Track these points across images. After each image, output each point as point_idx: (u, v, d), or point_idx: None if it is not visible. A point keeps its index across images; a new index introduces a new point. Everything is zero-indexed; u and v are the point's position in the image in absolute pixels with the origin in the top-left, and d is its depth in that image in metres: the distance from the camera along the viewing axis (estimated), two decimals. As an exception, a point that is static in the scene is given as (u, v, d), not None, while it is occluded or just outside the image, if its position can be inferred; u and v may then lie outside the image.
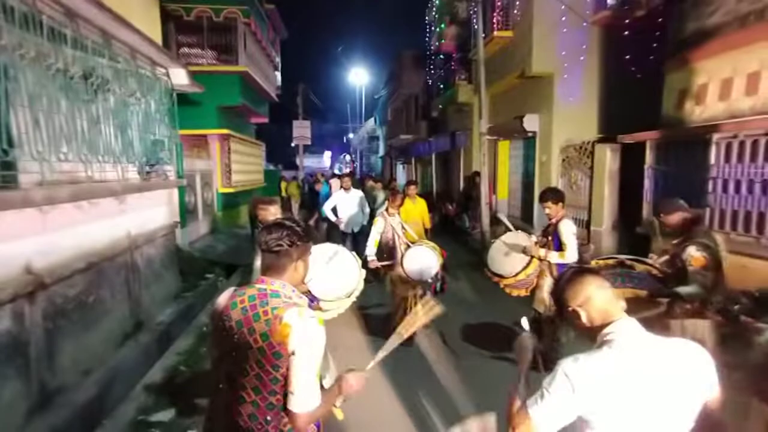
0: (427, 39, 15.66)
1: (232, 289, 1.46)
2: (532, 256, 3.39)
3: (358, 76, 31.34)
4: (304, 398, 1.27)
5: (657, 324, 2.42)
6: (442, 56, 14.19)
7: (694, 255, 2.45)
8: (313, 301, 2.40)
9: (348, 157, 39.86)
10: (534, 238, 3.62)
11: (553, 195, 3.49)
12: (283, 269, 1.37)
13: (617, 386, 1.05)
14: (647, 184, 6.06)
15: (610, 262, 2.88)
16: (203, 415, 1.56)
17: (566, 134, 7.72)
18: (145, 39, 3.81)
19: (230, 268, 6.67)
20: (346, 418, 1.63)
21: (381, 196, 7.47)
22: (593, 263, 3.02)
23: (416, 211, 5.55)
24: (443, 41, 13.28)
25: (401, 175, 21.60)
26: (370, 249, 4.04)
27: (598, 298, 1.16)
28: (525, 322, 1.57)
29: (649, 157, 6.10)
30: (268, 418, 1.30)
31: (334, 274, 2.71)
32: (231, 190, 9.83)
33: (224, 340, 1.33)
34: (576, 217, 7.58)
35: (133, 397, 3.11)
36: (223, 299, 1.42)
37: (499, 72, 9.02)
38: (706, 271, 2.43)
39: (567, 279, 1.22)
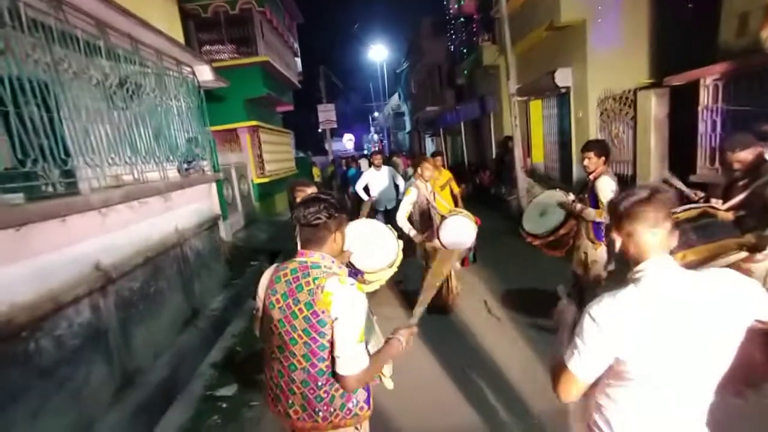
0: (446, 3, 14.95)
1: (275, 265, 1.55)
2: (568, 213, 3.25)
3: (378, 52, 30.71)
4: (351, 361, 1.34)
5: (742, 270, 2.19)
6: (462, 19, 13.53)
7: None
8: (357, 274, 2.51)
9: (376, 137, 39.62)
10: (572, 196, 3.43)
11: (596, 146, 3.22)
12: (323, 241, 1.43)
13: (644, 325, 1.01)
14: (702, 127, 5.55)
15: (693, 213, 2.39)
16: (262, 389, 1.68)
17: (603, 85, 7.19)
18: (169, 40, 3.94)
19: (273, 255, 6.97)
20: (395, 387, 1.69)
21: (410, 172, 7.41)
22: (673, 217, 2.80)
23: (443, 181, 5.50)
24: (463, 2, 12.62)
25: (430, 148, 21.23)
26: (403, 222, 3.85)
27: (644, 238, 1.08)
28: (562, 291, 1.49)
29: (703, 97, 5.56)
30: (320, 383, 1.39)
31: (374, 246, 2.78)
32: (266, 180, 10.14)
33: (273, 313, 1.42)
34: (619, 172, 7.14)
35: (198, 376, 3.40)
36: (267, 275, 1.53)
37: (524, 28, 8.48)
38: None
39: (631, 202, 1.10)
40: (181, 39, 4.94)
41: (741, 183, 2.48)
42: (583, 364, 1.07)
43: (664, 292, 1.04)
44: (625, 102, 6.75)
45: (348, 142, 31.34)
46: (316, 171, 17.34)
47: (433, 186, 4.92)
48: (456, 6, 13.31)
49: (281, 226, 9.23)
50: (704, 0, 5.79)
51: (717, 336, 1.03)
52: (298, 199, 3.07)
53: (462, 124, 14.15)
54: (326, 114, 19.97)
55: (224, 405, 3.03)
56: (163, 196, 3.76)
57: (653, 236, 1.08)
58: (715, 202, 2.53)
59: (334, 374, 1.37)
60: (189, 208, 4.37)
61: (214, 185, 5.52)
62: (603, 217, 3.06)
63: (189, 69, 4.77)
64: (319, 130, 22.67)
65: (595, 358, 1.06)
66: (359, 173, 7.49)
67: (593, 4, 7.04)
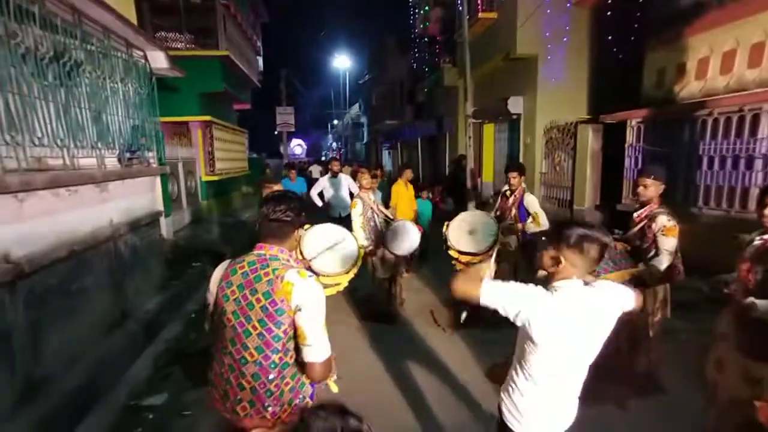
0: (411, 22, 15.45)
1: (227, 260, 1.53)
2: (509, 232, 3.67)
3: (342, 62, 30.85)
4: (320, 348, 1.38)
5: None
6: (426, 39, 14.04)
7: (667, 224, 2.52)
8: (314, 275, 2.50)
9: (335, 144, 39.49)
10: (492, 215, 3.89)
11: (521, 167, 3.90)
12: (286, 237, 1.49)
13: (555, 320, 1.33)
14: (628, 162, 6.20)
15: None
16: (197, 397, 1.59)
17: (550, 116, 7.79)
18: (119, 18, 3.66)
19: (217, 256, 6.63)
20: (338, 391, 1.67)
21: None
22: None
23: (408, 196, 5.55)
24: (428, 24, 13.12)
25: (387, 160, 21.54)
26: (360, 234, 3.86)
27: (579, 263, 1.37)
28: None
29: (629, 136, 6.22)
30: (271, 376, 1.39)
31: (335, 251, 2.83)
32: (215, 178, 9.68)
33: (226, 305, 1.42)
34: (559, 197, 7.72)
35: (123, 383, 3.10)
36: (221, 268, 1.52)
37: (484, 54, 8.99)
38: (675, 238, 2.52)
39: (587, 239, 1.35)
40: (133, 19, 4.62)
41: (639, 213, 2.74)
42: (491, 293, 1.37)
43: (573, 303, 1.35)
44: (567, 133, 7.35)
45: (297, 147, 30.04)
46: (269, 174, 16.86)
47: (394, 200, 5.10)
48: (421, 26, 13.79)
49: (229, 227, 8.81)
50: (634, 52, 6.53)
51: (606, 322, 1.40)
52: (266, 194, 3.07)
53: (419, 139, 14.55)
54: (285, 117, 19.60)
55: (151, 416, 2.79)
56: (98, 186, 3.44)
57: (586, 266, 1.38)
58: (617, 232, 2.85)
59: (287, 368, 1.40)
60: (128, 200, 4.04)
61: (158, 179, 5.17)
62: (541, 225, 3.57)
63: (141, 53, 4.47)
64: (276, 133, 22.17)
65: (509, 303, 1.35)
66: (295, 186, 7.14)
67: (545, 42, 7.65)
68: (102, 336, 3.32)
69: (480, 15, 8.78)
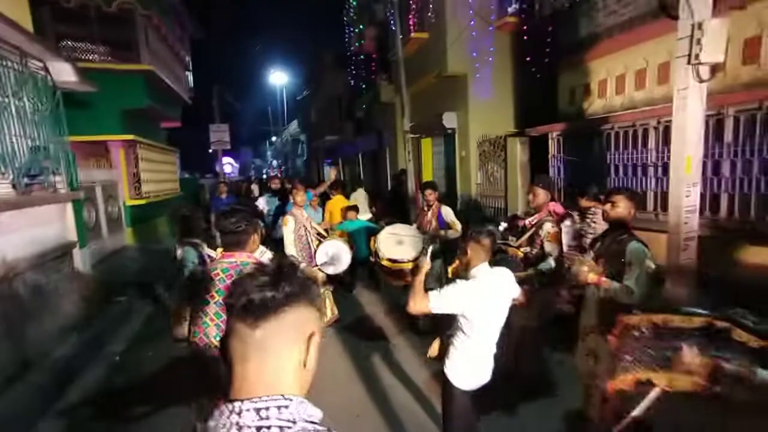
0: (347, 39, 15.69)
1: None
2: (433, 238, 4.01)
3: (279, 77, 30.38)
4: None
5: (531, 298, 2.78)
6: (362, 56, 14.32)
7: (551, 231, 2.85)
8: None
9: (275, 162, 38.44)
10: (414, 226, 4.35)
11: (431, 185, 4.45)
12: (245, 244, 1.77)
13: (477, 300, 1.92)
14: (552, 172, 6.74)
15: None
16: None
17: (482, 130, 8.27)
18: (8, 23, 3.23)
19: (144, 288, 6.03)
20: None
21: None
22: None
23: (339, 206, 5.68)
24: (363, 42, 13.41)
25: (328, 176, 21.38)
26: (292, 251, 3.88)
27: (481, 252, 2.00)
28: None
29: (552, 147, 6.79)
30: None
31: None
32: (141, 202, 8.89)
33: (207, 308, 1.75)
34: (494, 205, 8.16)
35: (25, 450, 2.64)
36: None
37: (418, 71, 9.36)
38: (557, 244, 2.86)
39: (479, 231, 2.01)
40: (29, 26, 4.10)
41: (528, 222, 3.06)
42: (438, 305, 1.90)
43: (485, 283, 1.96)
44: (498, 146, 7.85)
45: (227, 165, 28.29)
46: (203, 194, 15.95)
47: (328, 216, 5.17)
48: (357, 44, 14.06)
49: (159, 255, 8.10)
50: (550, 72, 7.21)
51: (506, 302, 2.02)
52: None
53: (360, 155, 14.67)
54: (219, 134, 18.69)
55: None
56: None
57: (485, 254, 2.01)
58: (511, 239, 3.15)
59: None
60: (27, 233, 3.54)
61: (69, 206, 4.61)
62: (460, 233, 3.99)
63: (39, 64, 3.98)
64: (210, 151, 21.08)
65: (444, 306, 1.91)
66: (227, 200, 6.85)
67: (473, 61, 8.16)
68: (-4, 394, 2.82)
69: (412, 35, 9.16)
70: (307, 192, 5.15)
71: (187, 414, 2.34)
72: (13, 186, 3.39)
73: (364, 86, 14.27)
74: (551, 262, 2.79)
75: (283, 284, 0.68)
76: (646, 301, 2.12)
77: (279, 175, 21.35)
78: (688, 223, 3.01)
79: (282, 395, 0.63)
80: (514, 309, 2.06)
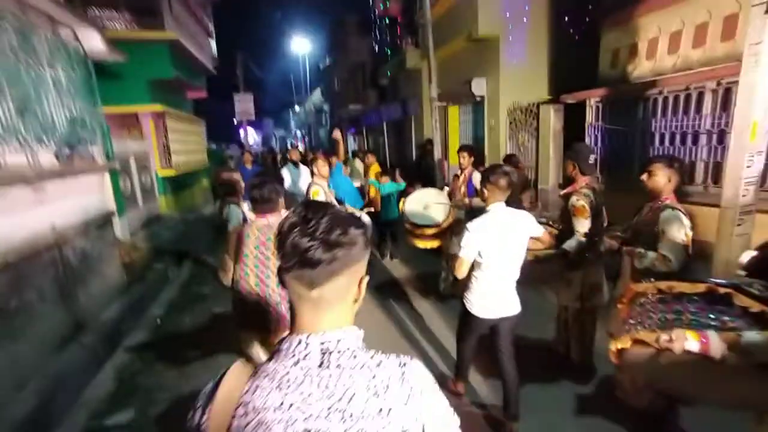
0: (371, 3, 15.04)
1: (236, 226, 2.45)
2: (458, 206, 4.09)
3: (301, 45, 29.75)
4: None
5: (556, 277, 2.80)
6: (387, 20, 13.73)
7: (575, 204, 2.56)
8: None
9: (298, 132, 38.41)
10: (446, 190, 4.38)
11: (469, 148, 4.39)
12: (277, 207, 2.18)
13: (490, 233, 2.15)
14: (588, 141, 6.38)
15: None
16: (166, 409, 1.48)
17: (513, 97, 7.87)
18: None
19: (180, 255, 6.28)
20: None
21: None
22: None
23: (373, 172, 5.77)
24: (388, 5, 12.81)
25: (352, 146, 21.22)
26: None
27: (497, 192, 2.19)
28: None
29: (589, 115, 6.40)
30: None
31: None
32: (172, 173, 9.10)
33: (247, 261, 2.18)
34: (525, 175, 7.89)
35: (82, 403, 2.86)
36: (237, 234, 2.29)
37: (446, 35, 8.90)
38: (585, 219, 2.53)
39: (495, 172, 2.20)
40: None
41: (563, 193, 2.83)
42: (465, 251, 2.15)
43: (500, 218, 2.18)
44: (530, 114, 7.47)
45: (251, 137, 28.58)
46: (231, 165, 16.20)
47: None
48: (381, 7, 13.46)
49: (191, 224, 8.38)
50: (590, 33, 6.67)
51: (521, 239, 2.21)
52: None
53: (384, 124, 14.38)
54: (244, 104, 18.72)
55: (117, 435, 2.60)
56: (31, 186, 3.09)
57: (501, 193, 2.19)
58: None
59: None
60: (72, 201, 3.68)
61: (107, 176, 4.76)
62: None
63: (69, 32, 3.97)
64: (235, 121, 21.20)
65: (470, 247, 2.15)
66: (253, 170, 7.19)
67: (506, 23, 7.65)
68: (54, 353, 3.04)
69: (441, -5, 8.65)
70: (337, 164, 5.15)
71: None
72: (56, 156, 3.49)
73: (389, 52, 13.78)
74: (576, 240, 2.57)
75: (335, 248, 0.69)
76: (683, 272, 2.02)
77: (298, 146, 21.33)
78: (746, 196, 2.78)
79: (340, 327, 0.74)
80: (557, 289, 2.28)
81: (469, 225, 2.15)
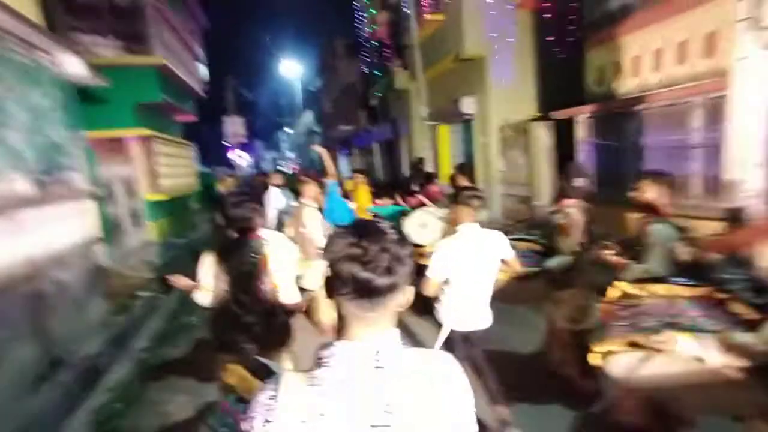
0: (358, 26, 15.35)
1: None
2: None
3: (291, 68, 30.15)
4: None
5: (542, 297, 2.81)
6: (375, 43, 13.99)
7: (558, 222, 2.58)
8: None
9: (290, 154, 38.49)
10: (440, 212, 4.32)
11: (460, 167, 4.75)
12: (255, 226, 2.09)
13: (459, 253, 2.19)
14: (580, 157, 6.41)
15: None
16: None
17: (503, 115, 7.94)
18: (13, 14, 3.11)
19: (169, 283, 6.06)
20: None
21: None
22: None
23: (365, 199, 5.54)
24: (376, 27, 13.07)
25: (344, 166, 21.26)
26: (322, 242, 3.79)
27: (466, 212, 2.22)
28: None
29: (579, 131, 6.45)
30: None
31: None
32: (161, 197, 8.93)
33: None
34: (518, 194, 7.89)
35: (54, 451, 2.63)
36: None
37: (434, 56, 9.04)
38: (567, 237, 2.53)
39: (464, 193, 2.29)
40: (36, 17, 3.97)
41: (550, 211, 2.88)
42: (433, 273, 2.20)
43: (469, 238, 2.20)
44: (520, 131, 7.53)
45: (238, 158, 27.97)
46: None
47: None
48: (369, 30, 13.73)
49: (181, 249, 8.17)
50: (575, 51, 6.81)
51: (492, 259, 2.25)
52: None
53: (376, 144, 14.46)
54: (234, 127, 18.75)
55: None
56: (4, 215, 2.93)
57: (471, 214, 2.23)
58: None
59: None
60: (50, 230, 3.51)
61: (90, 202, 4.60)
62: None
63: (49, 57, 3.87)
64: (227, 144, 21.17)
65: (438, 269, 2.19)
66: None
67: (492, 42, 7.80)
68: (27, 394, 2.81)
69: (427, 17, 8.82)
70: (330, 185, 4.93)
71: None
72: (33, 184, 3.34)
73: (378, 74, 13.97)
74: (559, 259, 2.58)
75: (394, 276, 0.75)
76: None
77: (282, 169, 21.20)
78: (749, 210, 2.74)
79: (386, 331, 0.79)
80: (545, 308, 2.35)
81: (438, 245, 2.21)
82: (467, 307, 2.26)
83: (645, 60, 5.64)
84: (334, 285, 0.76)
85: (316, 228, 3.67)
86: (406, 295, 0.80)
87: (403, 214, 5.07)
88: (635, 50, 5.76)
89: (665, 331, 1.47)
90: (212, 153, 30.34)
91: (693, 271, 2.19)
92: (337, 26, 20.55)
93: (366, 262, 0.72)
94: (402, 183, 9.00)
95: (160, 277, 6.26)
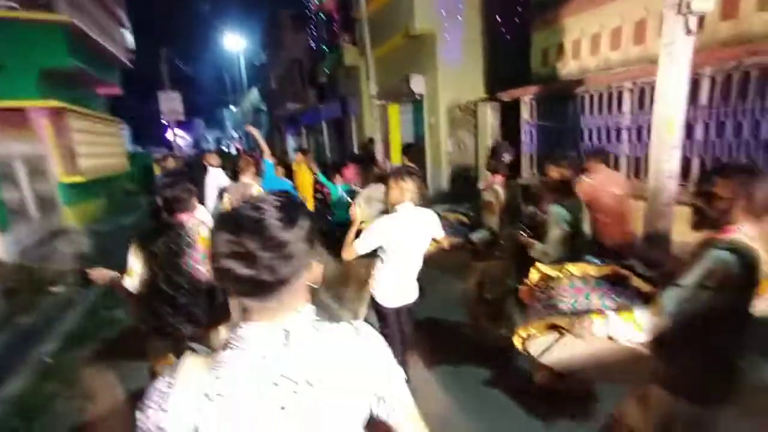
0: (305, -4, 14.49)
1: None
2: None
3: (235, 42, 28.09)
4: None
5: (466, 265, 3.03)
6: (323, 16, 13.30)
7: (483, 199, 2.87)
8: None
9: (235, 134, 36.40)
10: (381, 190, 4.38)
11: (405, 149, 4.72)
12: (189, 206, 2.10)
13: (395, 232, 2.20)
14: (524, 138, 6.53)
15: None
16: None
17: (452, 95, 7.88)
18: None
19: (86, 276, 5.40)
20: None
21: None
22: None
23: (309, 179, 5.24)
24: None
25: (292, 145, 20.45)
26: None
27: (403, 192, 2.21)
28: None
29: (524, 112, 6.54)
30: None
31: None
32: (79, 179, 7.95)
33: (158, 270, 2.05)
34: (465, 174, 7.95)
35: None
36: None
37: (383, 32, 8.71)
38: (491, 214, 2.80)
39: (399, 173, 2.26)
40: None
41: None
42: (362, 246, 2.20)
43: (405, 216, 2.21)
44: (468, 112, 7.52)
45: (179, 139, 26.00)
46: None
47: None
48: (317, 1, 12.99)
49: (104, 237, 7.35)
50: (522, 32, 6.84)
51: (425, 238, 2.30)
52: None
53: (324, 123, 13.95)
54: (170, 103, 17.18)
55: None
56: None
57: (406, 193, 2.22)
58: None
59: None
60: None
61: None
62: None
63: None
64: (164, 122, 19.47)
65: (367, 242, 2.20)
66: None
67: (442, 19, 7.63)
68: None
69: (376, -10, 8.44)
70: (266, 164, 4.66)
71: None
72: None
73: (326, 49, 13.34)
74: (483, 232, 2.84)
75: (281, 269, 0.69)
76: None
77: (216, 149, 19.97)
78: (666, 190, 2.86)
79: (297, 311, 0.75)
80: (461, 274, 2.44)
81: (375, 222, 2.21)
82: (399, 284, 2.33)
83: (584, 44, 5.77)
84: (220, 281, 0.70)
85: None
86: (313, 273, 0.76)
87: (351, 193, 4.99)
88: (576, 33, 5.87)
89: (580, 312, 1.56)
90: (148, 132, 27.90)
91: (601, 250, 2.51)
92: (283, -4, 19.25)
93: (247, 260, 0.66)
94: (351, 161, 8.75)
95: (77, 269, 5.59)
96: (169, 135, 21.02)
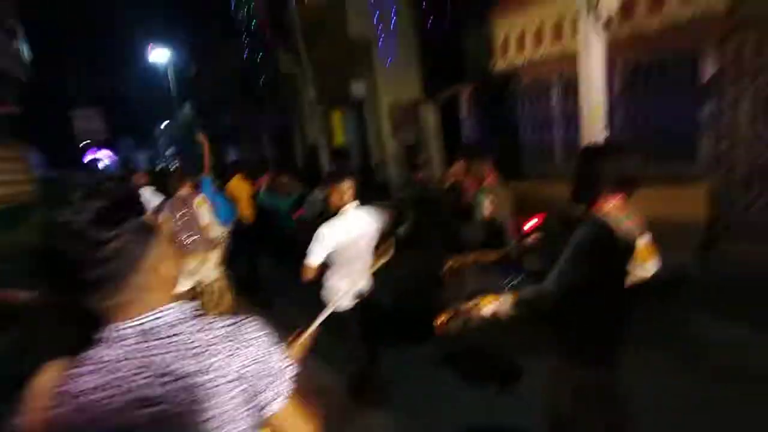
0: (235, 5, 13.83)
1: None
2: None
3: (162, 55, 26.25)
4: None
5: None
6: (255, 23, 12.75)
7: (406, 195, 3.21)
8: None
9: (169, 151, 34.04)
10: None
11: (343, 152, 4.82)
12: None
13: (342, 233, 2.21)
14: (464, 134, 6.55)
15: None
16: None
17: (392, 97, 7.79)
18: None
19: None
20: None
21: None
22: None
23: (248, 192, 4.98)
24: (253, 5, 11.87)
25: (232, 159, 19.42)
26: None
27: (345, 194, 2.26)
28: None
29: (462, 109, 6.56)
30: None
31: None
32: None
33: None
34: (410, 174, 7.85)
35: None
36: None
37: (319, 38, 8.45)
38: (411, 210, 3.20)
39: (340, 176, 2.29)
40: None
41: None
42: (313, 255, 2.18)
43: (353, 219, 2.25)
44: (409, 113, 7.44)
45: (103, 159, 23.51)
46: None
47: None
48: (246, 9, 12.42)
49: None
50: (455, 33, 6.90)
51: (373, 229, 2.36)
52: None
53: (266, 134, 13.34)
54: (87, 122, 15.69)
55: None
56: None
57: (346, 196, 2.26)
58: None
59: None
60: None
61: None
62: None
63: None
64: (85, 142, 17.67)
65: (318, 251, 2.19)
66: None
67: (375, 25, 7.51)
68: None
69: (307, -4, 8.16)
70: (203, 180, 4.22)
71: None
72: None
73: (261, 57, 12.78)
74: (404, 227, 3.40)
75: (103, 264, 0.68)
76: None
77: (134, 169, 18.56)
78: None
79: (156, 309, 0.74)
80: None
81: (321, 230, 2.17)
82: (351, 283, 2.31)
83: (512, 42, 5.92)
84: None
85: (209, 220, 3.58)
86: (166, 269, 0.76)
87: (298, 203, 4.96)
88: (503, 34, 6.01)
89: (475, 297, 1.67)
90: (66, 154, 25.17)
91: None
92: (212, 5, 18.24)
93: (72, 261, 0.67)
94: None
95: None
96: (91, 156, 19.12)
